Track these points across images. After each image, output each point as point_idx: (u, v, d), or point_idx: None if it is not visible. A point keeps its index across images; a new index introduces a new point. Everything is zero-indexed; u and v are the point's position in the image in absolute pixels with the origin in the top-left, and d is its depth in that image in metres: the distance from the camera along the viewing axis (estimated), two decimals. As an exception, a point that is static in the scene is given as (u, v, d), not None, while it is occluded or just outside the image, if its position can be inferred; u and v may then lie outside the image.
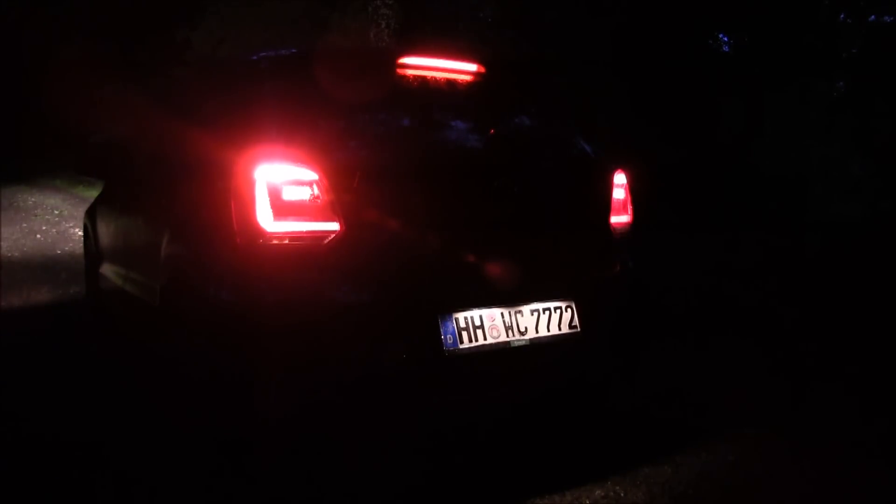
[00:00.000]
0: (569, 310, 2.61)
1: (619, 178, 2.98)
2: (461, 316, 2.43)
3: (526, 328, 2.52)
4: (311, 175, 2.33)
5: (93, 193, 8.27)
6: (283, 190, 2.31)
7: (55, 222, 9.57)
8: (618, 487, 2.50)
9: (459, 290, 2.47)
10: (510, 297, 2.53)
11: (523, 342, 2.51)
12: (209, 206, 2.60)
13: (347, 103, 2.73)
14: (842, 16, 10.03)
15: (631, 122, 8.89)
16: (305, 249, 2.32)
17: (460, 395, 2.53)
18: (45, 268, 6.85)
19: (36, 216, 9.99)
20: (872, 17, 9.92)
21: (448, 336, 2.38)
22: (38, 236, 8.62)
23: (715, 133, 9.63)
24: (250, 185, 2.33)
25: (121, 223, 3.85)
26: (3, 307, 5.22)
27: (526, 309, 2.54)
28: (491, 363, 2.46)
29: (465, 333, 2.41)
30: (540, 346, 2.54)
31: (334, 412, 2.41)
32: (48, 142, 15.54)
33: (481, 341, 2.43)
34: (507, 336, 2.48)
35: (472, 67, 2.96)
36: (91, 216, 4.70)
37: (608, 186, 2.93)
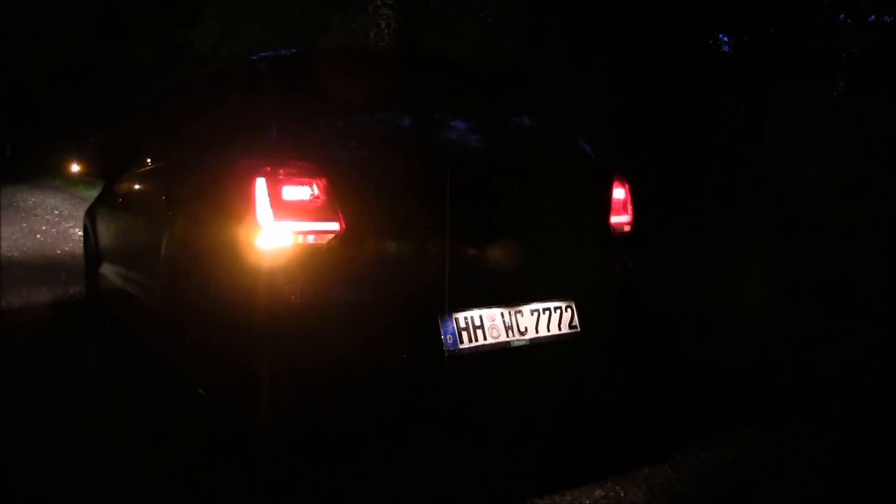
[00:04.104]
0: (569, 310, 2.61)
1: (619, 178, 2.98)
2: (461, 316, 2.42)
3: (526, 328, 2.52)
4: (312, 175, 2.33)
5: (93, 193, 8.27)
6: (283, 190, 2.31)
7: (55, 222, 9.57)
8: (618, 487, 2.50)
9: (459, 290, 2.47)
10: (510, 297, 2.53)
11: (523, 342, 2.51)
12: (209, 206, 2.60)
13: (347, 103, 2.73)
14: (842, 16, 10.03)
15: (631, 122, 8.89)
16: (305, 249, 2.32)
17: (460, 394, 2.53)
18: (45, 268, 6.85)
19: (36, 216, 10.00)
20: (872, 17, 9.92)
21: (448, 336, 2.38)
22: (38, 236, 8.62)
23: (715, 132, 9.63)
24: (250, 184, 2.33)
25: (121, 223, 3.85)
26: (3, 307, 5.22)
27: (526, 309, 2.54)
28: (491, 363, 2.46)
29: (465, 333, 2.41)
30: (540, 346, 2.54)
31: (334, 412, 2.40)
32: (48, 142, 15.55)
33: (481, 341, 2.43)
34: (507, 336, 2.48)
35: (473, 68, 2.96)
36: (91, 216, 4.70)
37: (608, 186, 2.93)
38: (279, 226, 2.30)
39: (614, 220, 2.93)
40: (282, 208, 2.30)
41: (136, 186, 3.73)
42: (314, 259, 2.32)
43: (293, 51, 2.97)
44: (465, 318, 2.43)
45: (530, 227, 2.67)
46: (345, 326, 2.31)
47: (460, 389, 2.50)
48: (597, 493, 2.46)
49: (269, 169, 2.33)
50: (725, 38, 10.46)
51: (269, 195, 2.30)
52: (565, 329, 2.59)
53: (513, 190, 2.62)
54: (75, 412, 3.22)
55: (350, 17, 10.97)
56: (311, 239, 2.32)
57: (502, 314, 2.50)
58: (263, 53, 2.90)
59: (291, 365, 2.30)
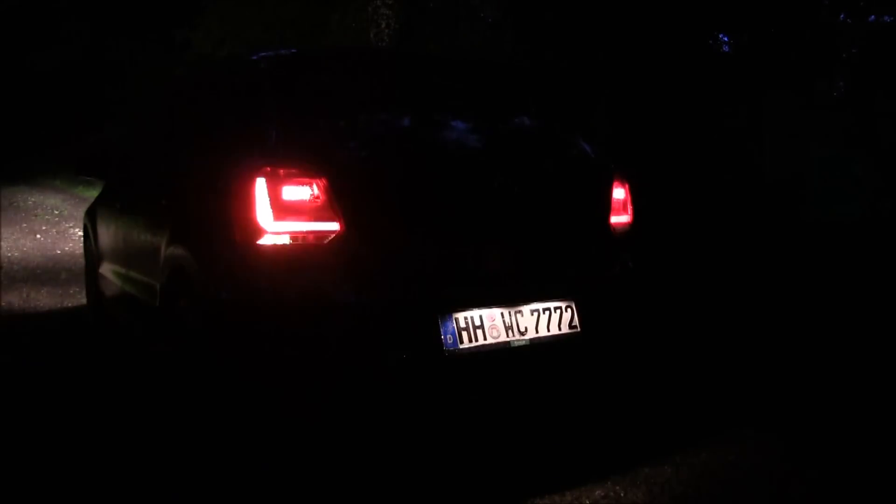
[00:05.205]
0: (569, 310, 2.61)
1: (619, 178, 2.98)
2: (461, 316, 2.42)
3: (526, 328, 2.52)
4: (312, 175, 2.33)
5: (93, 193, 8.27)
6: (283, 190, 2.31)
7: (55, 222, 9.57)
8: (618, 487, 2.50)
9: (459, 290, 2.47)
10: (510, 297, 2.53)
11: (523, 342, 2.51)
12: (210, 206, 2.60)
13: (347, 103, 2.74)
14: (842, 16, 10.03)
15: (631, 122, 8.89)
16: (305, 249, 2.32)
17: (460, 394, 2.53)
18: (45, 268, 6.85)
19: (36, 216, 10.00)
20: (872, 17, 9.91)
21: (448, 336, 2.38)
22: (38, 236, 8.62)
23: (715, 133, 9.63)
24: (250, 185, 2.33)
25: (121, 223, 3.85)
26: (3, 307, 5.22)
27: (526, 309, 2.54)
28: (491, 363, 2.46)
29: (465, 333, 2.41)
30: (540, 346, 2.54)
31: (334, 412, 2.40)
32: (48, 142, 15.56)
33: (481, 341, 2.43)
34: (507, 336, 2.48)
35: (473, 68, 2.96)
36: (91, 216, 4.71)
37: (608, 186, 2.93)
38: (279, 226, 2.30)
39: (614, 220, 2.93)
40: (282, 208, 2.30)
41: (136, 186, 3.73)
42: (314, 259, 2.32)
43: (293, 51, 2.97)
44: (465, 318, 2.43)
45: (530, 227, 2.67)
46: (345, 326, 2.31)
47: (460, 389, 2.50)
48: (597, 493, 2.46)
49: (269, 169, 2.33)
50: (725, 38, 10.46)
51: (269, 195, 2.31)
52: (565, 329, 2.59)
53: (513, 190, 2.62)
54: (75, 412, 3.22)
55: (350, 17, 10.97)
56: (311, 239, 2.32)
57: (502, 314, 2.50)
58: (263, 53, 2.90)
59: (291, 365, 2.30)
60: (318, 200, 2.32)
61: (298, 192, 2.31)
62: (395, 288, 2.38)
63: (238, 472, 2.53)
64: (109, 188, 4.39)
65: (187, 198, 2.86)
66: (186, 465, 2.65)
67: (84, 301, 5.17)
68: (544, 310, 2.57)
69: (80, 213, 7.48)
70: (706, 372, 3.88)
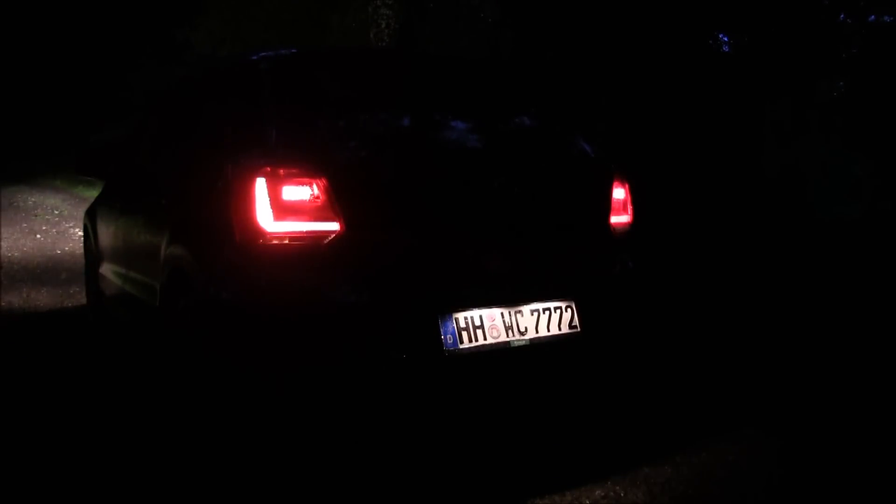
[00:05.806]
0: (569, 310, 2.61)
1: (619, 178, 2.98)
2: (461, 316, 2.42)
3: (526, 328, 2.52)
4: (311, 175, 2.33)
5: (93, 193, 8.28)
6: (282, 190, 2.31)
7: (55, 222, 9.57)
8: (618, 487, 2.50)
9: (459, 290, 2.47)
10: (510, 297, 2.53)
11: (523, 342, 2.51)
12: (209, 206, 2.60)
13: (347, 103, 2.74)
14: (842, 16, 10.02)
15: (631, 122, 8.89)
16: (305, 250, 2.32)
17: (460, 395, 2.53)
18: (45, 268, 6.85)
19: (36, 216, 10.00)
20: (872, 17, 9.91)
21: (448, 336, 2.38)
22: (38, 236, 8.62)
23: (715, 132, 9.63)
24: (250, 185, 2.33)
25: (121, 223, 3.85)
26: (3, 307, 5.22)
27: (526, 309, 2.54)
28: (491, 363, 2.46)
29: (464, 333, 2.41)
30: (540, 346, 2.54)
31: (334, 412, 2.41)
32: (48, 142, 15.56)
33: (481, 341, 2.43)
34: (507, 336, 2.48)
35: (472, 68, 2.96)
36: (91, 216, 4.70)
37: (608, 186, 2.93)
38: (279, 226, 2.30)
39: (614, 220, 2.93)
40: (282, 208, 2.30)
41: (136, 186, 3.73)
42: (314, 259, 2.32)
43: (293, 51, 2.97)
44: (465, 318, 2.43)
45: (530, 227, 2.67)
46: (344, 326, 2.31)
47: (460, 389, 2.50)
48: (597, 493, 2.46)
49: (269, 169, 2.33)
50: (725, 38, 10.46)
51: (269, 195, 2.31)
52: (565, 329, 2.59)
53: (513, 190, 2.62)
54: (75, 411, 3.22)
55: (350, 17, 10.97)
56: (310, 239, 2.32)
57: (502, 314, 2.50)
58: (263, 53, 2.90)
59: (291, 365, 2.30)
60: (318, 200, 2.32)
61: (298, 192, 2.32)
62: (395, 288, 2.38)
63: (237, 471, 2.53)
64: (109, 188, 4.38)
65: (187, 198, 2.86)
66: (186, 464, 2.65)
67: (84, 301, 5.17)
68: (544, 310, 2.57)
69: (80, 213, 7.49)
70: (707, 372, 3.88)
